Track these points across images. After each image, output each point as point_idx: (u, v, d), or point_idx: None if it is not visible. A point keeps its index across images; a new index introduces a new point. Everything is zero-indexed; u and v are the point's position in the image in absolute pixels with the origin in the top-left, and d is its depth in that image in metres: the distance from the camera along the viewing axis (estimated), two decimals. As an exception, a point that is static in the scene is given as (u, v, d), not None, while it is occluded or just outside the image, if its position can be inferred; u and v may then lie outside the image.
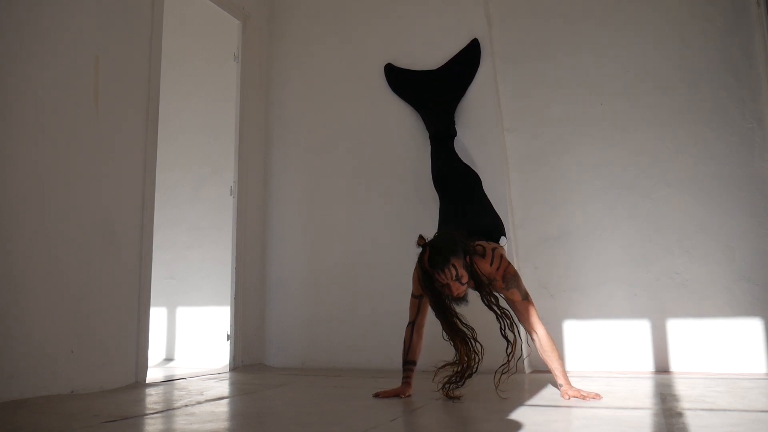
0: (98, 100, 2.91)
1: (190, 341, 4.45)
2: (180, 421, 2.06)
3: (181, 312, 4.52)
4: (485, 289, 2.53)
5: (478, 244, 2.58)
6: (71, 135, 2.78)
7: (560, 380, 2.51)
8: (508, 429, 1.87)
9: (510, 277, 2.58)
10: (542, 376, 3.23)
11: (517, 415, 2.10)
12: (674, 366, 3.31)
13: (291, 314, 3.99)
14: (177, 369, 3.82)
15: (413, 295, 2.68)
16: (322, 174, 4.08)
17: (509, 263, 2.62)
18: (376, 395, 2.56)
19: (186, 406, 2.37)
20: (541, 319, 2.61)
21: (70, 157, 2.76)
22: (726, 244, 3.33)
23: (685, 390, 2.61)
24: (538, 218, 3.66)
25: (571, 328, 3.51)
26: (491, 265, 2.56)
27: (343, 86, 4.11)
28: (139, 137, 3.14)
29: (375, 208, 3.89)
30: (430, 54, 3.91)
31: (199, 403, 2.44)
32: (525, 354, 3.43)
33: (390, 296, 3.71)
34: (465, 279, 2.44)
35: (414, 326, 2.66)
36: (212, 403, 2.46)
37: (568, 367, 3.45)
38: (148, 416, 2.17)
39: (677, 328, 3.34)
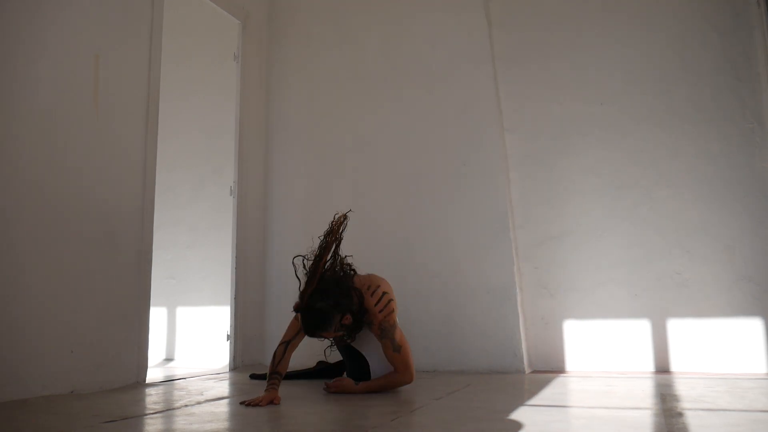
0: (98, 100, 2.90)
1: (190, 341, 4.45)
2: (180, 421, 2.06)
3: (181, 312, 4.52)
4: (358, 331, 2.65)
5: (370, 277, 2.72)
6: (71, 135, 2.78)
7: (362, 385, 2.63)
8: (508, 429, 1.87)
9: (388, 327, 2.61)
10: (542, 376, 3.23)
11: (517, 415, 2.10)
12: (674, 366, 3.31)
13: (291, 314, 3.97)
14: (177, 369, 3.82)
15: (297, 318, 2.66)
16: (322, 174, 4.08)
17: (393, 311, 2.65)
18: (244, 403, 2.39)
19: (186, 406, 2.37)
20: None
21: (70, 158, 2.76)
22: (726, 244, 3.33)
23: (685, 390, 2.61)
24: (538, 218, 3.66)
25: (571, 328, 3.51)
26: (375, 305, 2.63)
27: (343, 86, 4.11)
28: (139, 137, 3.14)
29: (375, 208, 3.89)
30: (430, 54, 3.92)
31: (199, 403, 2.44)
32: (525, 354, 3.44)
33: (390, 296, 3.71)
34: (340, 333, 2.60)
35: (288, 346, 2.64)
36: (212, 403, 2.46)
37: (568, 368, 3.47)
38: (148, 416, 2.17)
39: (677, 328, 3.34)
